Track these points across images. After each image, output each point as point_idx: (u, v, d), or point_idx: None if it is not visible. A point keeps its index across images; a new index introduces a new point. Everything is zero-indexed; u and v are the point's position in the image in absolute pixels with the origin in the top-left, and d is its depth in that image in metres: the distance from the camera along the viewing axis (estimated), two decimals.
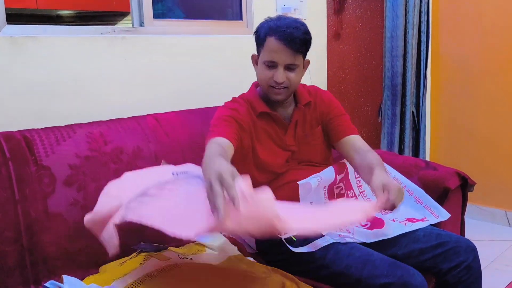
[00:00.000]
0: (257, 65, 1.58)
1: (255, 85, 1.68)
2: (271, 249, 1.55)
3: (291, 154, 1.62)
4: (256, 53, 1.59)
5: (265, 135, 1.60)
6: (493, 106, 2.96)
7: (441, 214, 1.61)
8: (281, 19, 1.52)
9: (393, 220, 1.58)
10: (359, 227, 1.53)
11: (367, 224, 1.54)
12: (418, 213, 1.62)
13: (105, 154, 1.60)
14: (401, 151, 2.91)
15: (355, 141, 1.59)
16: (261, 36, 1.53)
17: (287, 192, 1.52)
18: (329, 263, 1.40)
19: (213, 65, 2.21)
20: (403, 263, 1.37)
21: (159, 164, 1.67)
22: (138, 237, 1.60)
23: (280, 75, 1.50)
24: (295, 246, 1.45)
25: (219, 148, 1.33)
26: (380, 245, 1.47)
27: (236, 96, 1.66)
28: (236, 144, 1.47)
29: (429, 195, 1.61)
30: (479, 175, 1.75)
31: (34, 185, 1.44)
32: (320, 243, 1.43)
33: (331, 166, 1.60)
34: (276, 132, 1.61)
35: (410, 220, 1.57)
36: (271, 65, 1.51)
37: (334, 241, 1.43)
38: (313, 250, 1.43)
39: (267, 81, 1.53)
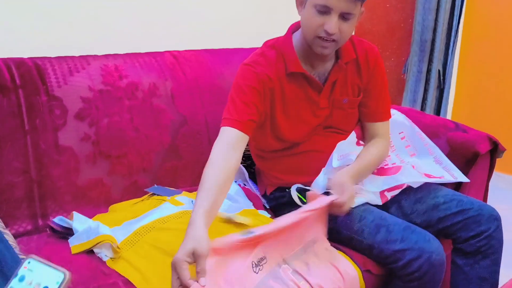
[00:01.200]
0: (302, 7, 1.30)
1: (292, 29, 1.42)
2: (281, 209, 1.46)
3: (323, 120, 1.44)
4: None
5: (293, 97, 1.40)
6: None
7: (460, 177, 1.54)
8: None
9: (413, 167, 1.50)
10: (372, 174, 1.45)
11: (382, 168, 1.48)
12: (436, 172, 1.54)
13: (120, 89, 1.53)
14: (422, 109, 2.82)
15: (377, 128, 1.48)
16: None
17: (302, 160, 1.43)
18: (340, 226, 1.33)
19: (238, 3, 2.10)
20: (418, 227, 1.31)
21: (174, 102, 1.60)
22: (152, 180, 1.56)
23: (333, 24, 1.24)
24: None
25: (222, 166, 1.19)
26: (397, 212, 1.41)
27: (266, 38, 1.46)
28: (254, 127, 1.32)
29: (456, 158, 1.55)
30: (502, 141, 1.66)
31: (44, 115, 1.39)
32: None
33: (353, 133, 1.46)
34: (307, 93, 1.40)
35: (428, 175, 1.50)
36: (324, 10, 1.24)
37: None
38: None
39: (315, 29, 1.27)
